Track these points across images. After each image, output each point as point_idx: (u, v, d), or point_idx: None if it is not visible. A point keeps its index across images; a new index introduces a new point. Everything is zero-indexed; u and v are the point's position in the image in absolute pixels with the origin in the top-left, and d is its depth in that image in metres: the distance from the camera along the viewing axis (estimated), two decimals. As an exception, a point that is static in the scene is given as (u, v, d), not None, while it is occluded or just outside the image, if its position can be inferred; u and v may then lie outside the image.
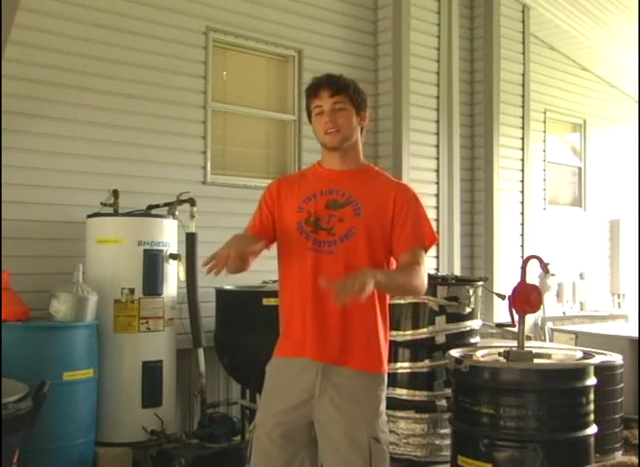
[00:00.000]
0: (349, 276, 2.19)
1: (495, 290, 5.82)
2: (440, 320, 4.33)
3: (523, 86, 7.37)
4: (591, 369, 3.49)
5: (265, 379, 2.51)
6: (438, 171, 6.64)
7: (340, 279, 2.20)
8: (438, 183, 6.63)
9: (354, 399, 2.37)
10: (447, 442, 4.08)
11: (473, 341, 4.47)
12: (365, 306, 2.39)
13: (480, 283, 4.63)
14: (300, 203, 2.47)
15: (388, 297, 2.52)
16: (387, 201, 2.44)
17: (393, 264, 2.49)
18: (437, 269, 6.42)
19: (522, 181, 7.38)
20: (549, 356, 3.58)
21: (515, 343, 3.66)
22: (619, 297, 8.99)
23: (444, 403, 4.27)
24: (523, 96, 7.37)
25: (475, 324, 4.50)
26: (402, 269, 2.42)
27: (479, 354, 3.63)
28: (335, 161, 2.52)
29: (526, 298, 3.57)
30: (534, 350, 3.59)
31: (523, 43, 7.38)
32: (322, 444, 2.40)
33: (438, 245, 6.56)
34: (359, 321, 2.41)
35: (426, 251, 2.49)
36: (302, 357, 2.39)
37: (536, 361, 3.49)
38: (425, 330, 4.33)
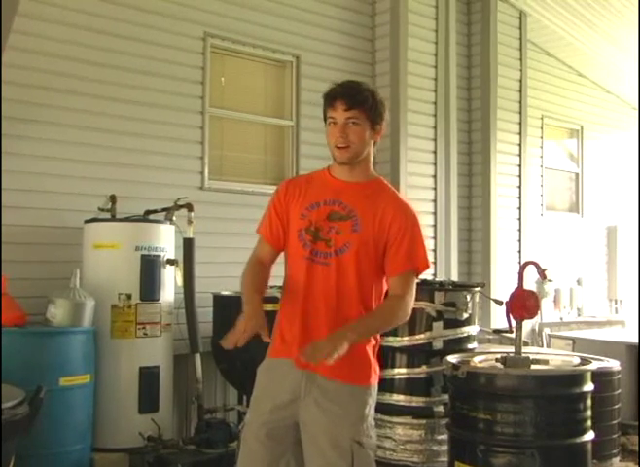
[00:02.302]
0: (323, 341, 2.24)
1: (492, 296, 5.81)
2: (437, 326, 4.33)
3: (520, 92, 7.39)
4: (589, 375, 3.49)
5: (255, 381, 2.53)
6: (435, 177, 6.64)
7: (315, 343, 2.25)
8: (435, 189, 6.64)
9: (339, 401, 2.37)
10: (445, 448, 4.06)
11: (470, 346, 4.46)
12: (353, 319, 2.39)
13: (478, 289, 4.63)
14: (303, 210, 2.46)
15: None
16: (385, 221, 2.42)
17: (384, 283, 2.49)
18: (434, 275, 6.41)
19: (520, 187, 7.39)
20: (546, 362, 3.57)
21: (512, 349, 3.66)
22: (616, 302, 9.00)
23: (441, 409, 4.26)
24: (520, 102, 7.39)
25: (472, 330, 4.50)
26: (381, 311, 2.44)
27: (476, 360, 3.63)
28: (344, 172, 2.49)
29: (523, 303, 3.56)
30: (531, 356, 3.58)
31: (520, 49, 7.40)
32: (306, 445, 2.40)
33: (435, 251, 6.57)
34: None
35: (417, 276, 2.48)
36: (291, 358, 2.39)
37: (533, 367, 3.49)
38: (422, 336, 4.32)
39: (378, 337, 2.52)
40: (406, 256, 2.43)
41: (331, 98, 2.42)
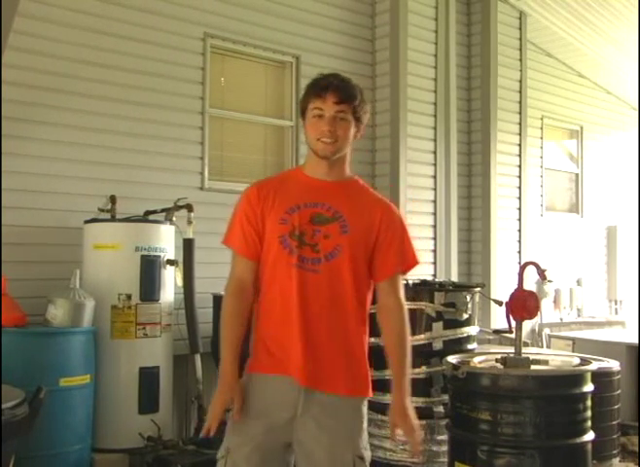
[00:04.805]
0: (407, 425, 2.29)
1: (492, 296, 5.82)
2: (437, 326, 4.33)
3: (520, 92, 7.39)
4: (589, 375, 3.49)
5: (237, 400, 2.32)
6: (435, 177, 6.64)
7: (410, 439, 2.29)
8: (435, 189, 6.64)
9: (338, 417, 2.25)
10: (445, 448, 4.06)
11: (470, 347, 4.46)
12: (353, 330, 2.31)
13: (478, 289, 4.63)
14: (282, 214, 2.29)
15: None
16: (373, 221, 2.32)
17: (371, 284, 2.38)
18: (434, 276, 6.42)
19: (520, 187, 7.39)
20: (546, 362, 3.58)
21: (512, 350, 3.66)
22: (616, 303, 8.99)
23: (441, 409, 4.26)
24: (520, 103, 7.39)
25: (472, 330, 4.50)
26: (400, 343, 2.35)
27: (476, 360, 3.63)
28: (321, 169, 2.35)
29: (523, 304, 3.57)
30: (531, 357, 3.59)
31: (520, 49, 7.40)
32: (303, 465, 2.29)
33: (435, 251, 6.57)
34: (347, 344, 2.31)
35: (404, 274, 2.42)
36: (286, 375, 2.26)
37: (533, 367, 3.49)
38: (422, 336, 4.32)
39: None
40: (397, 257, 2.35)
41: (321, 88, 2.27)
